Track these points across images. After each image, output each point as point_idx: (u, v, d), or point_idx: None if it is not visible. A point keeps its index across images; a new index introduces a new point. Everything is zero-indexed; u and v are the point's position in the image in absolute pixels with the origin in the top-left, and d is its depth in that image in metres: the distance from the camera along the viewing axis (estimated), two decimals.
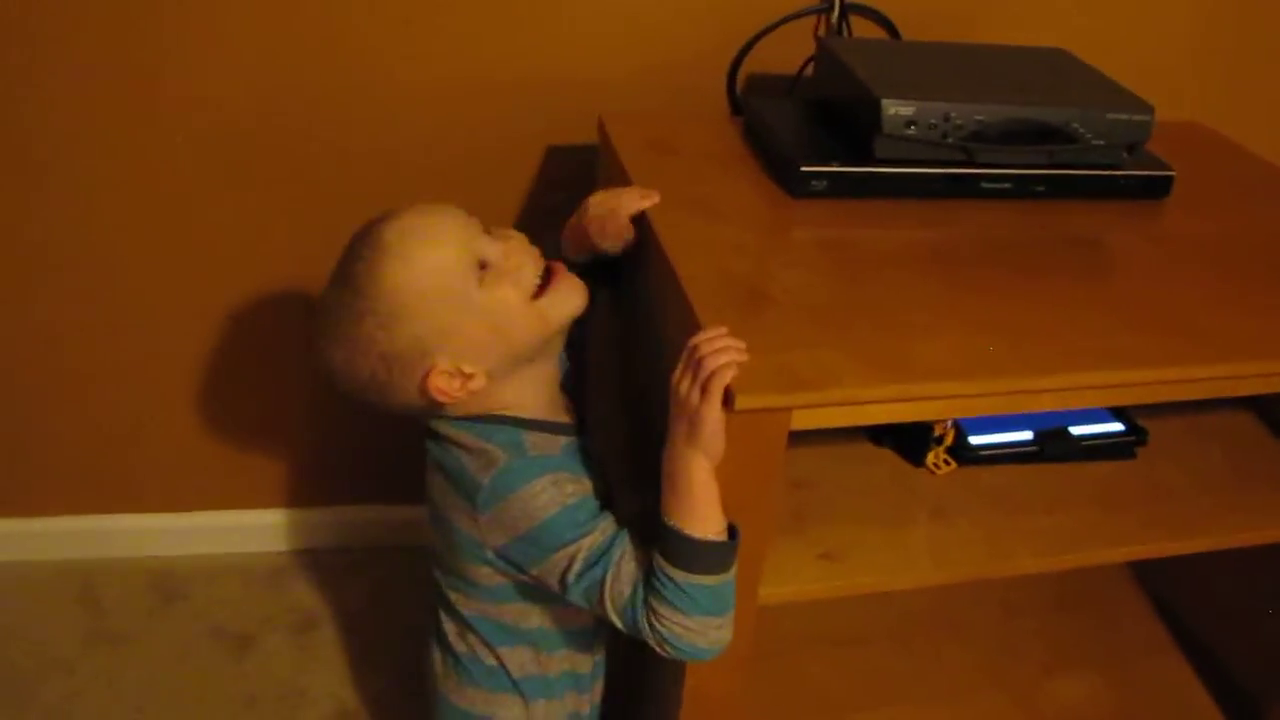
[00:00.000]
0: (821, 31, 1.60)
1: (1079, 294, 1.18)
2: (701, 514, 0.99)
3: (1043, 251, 1.26)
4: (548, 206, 1.65)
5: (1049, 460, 1.36)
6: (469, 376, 1.05)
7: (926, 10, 1.62)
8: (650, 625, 1.01)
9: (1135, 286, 1.22)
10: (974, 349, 1.06)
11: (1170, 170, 1.39)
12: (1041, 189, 1.34)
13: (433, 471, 1.14)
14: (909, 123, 1.26)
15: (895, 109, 1.25)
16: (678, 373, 0.98)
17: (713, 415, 0.95)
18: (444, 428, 1.10)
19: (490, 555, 1.08)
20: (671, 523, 0.99)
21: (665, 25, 1.55)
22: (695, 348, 0.97)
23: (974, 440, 1.33)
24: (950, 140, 1.29)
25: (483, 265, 1.05)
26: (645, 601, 1.01)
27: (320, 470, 1.86)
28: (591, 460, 1.13)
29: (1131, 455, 1.39)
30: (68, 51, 1.45)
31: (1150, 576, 1.82)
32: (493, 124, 1.58)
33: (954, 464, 1.33)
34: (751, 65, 1.61)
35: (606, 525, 1.05)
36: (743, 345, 0.97)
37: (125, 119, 1.51)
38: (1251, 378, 1.12)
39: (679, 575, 0.99)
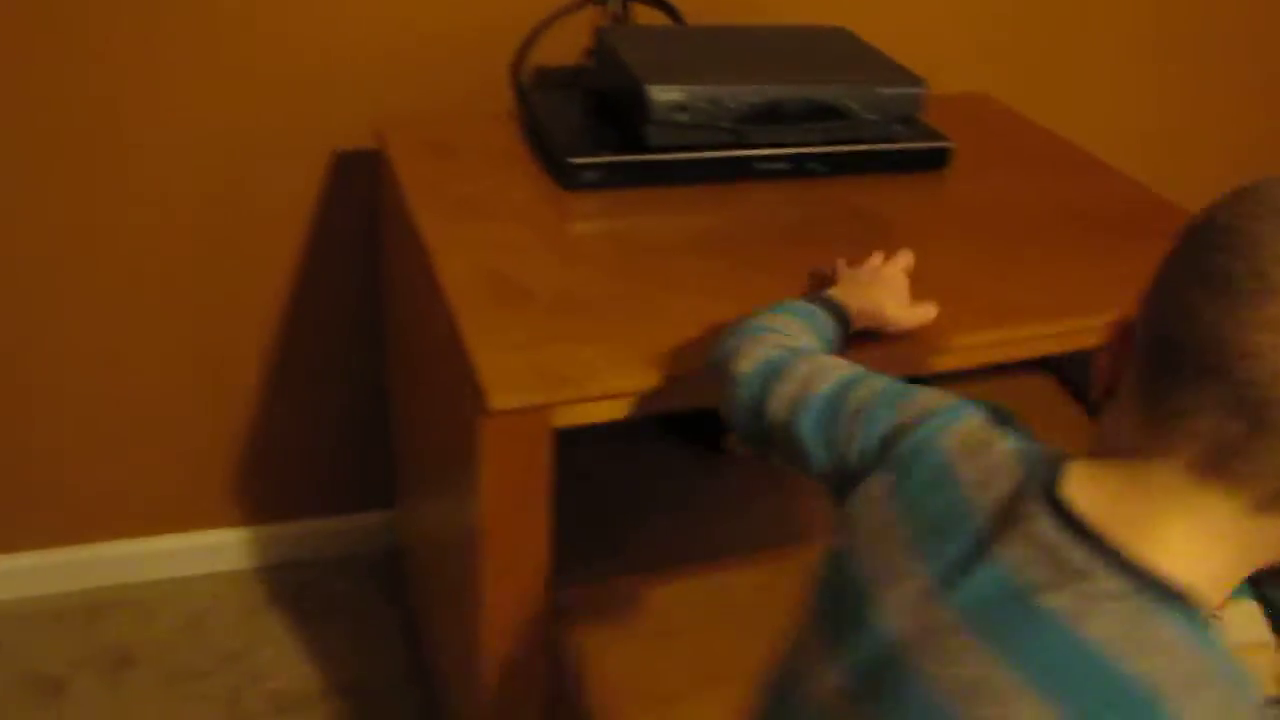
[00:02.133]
0: (605, 21, 1.58)
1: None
2: None
3: (821, 229, 1.26)
4: (331, 215, 1.60)
5: None
6: None
7: None
8: None
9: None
10: None
11: (947, 142, 1.40)
12: (819, 167, 1.34)
13: None
14: (679, 108, 1.25)
15: (663, 95, 1.24)
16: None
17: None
18: None
19: None
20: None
21: (449, 19, 1.52)
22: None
23: None
24: (723, 123, 1.28)
25: None
26: None
27: (120, 501, 1.78)
28: None
29: None
30: None
31: None
32: (271, 129, 1.52)
33: None
34: (542, 57, 1.58)
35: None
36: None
37: None
38: (1022, 341, 1.13)
39: None
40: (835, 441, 0.80)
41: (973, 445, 0.72)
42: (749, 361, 0.89)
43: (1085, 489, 0.64)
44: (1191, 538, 0.62)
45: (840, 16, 1.58)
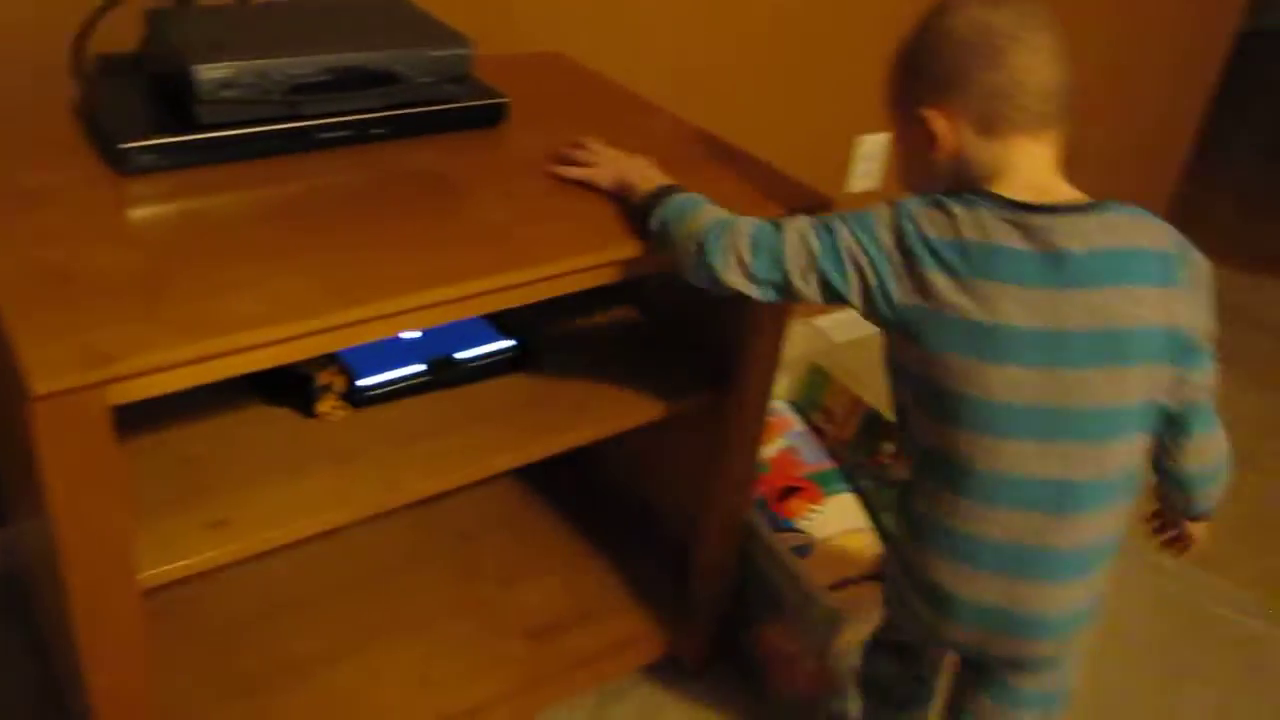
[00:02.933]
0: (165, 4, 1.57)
1: (406, 226, 1.25)
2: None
3: (381, 191, 1.31)
4: None
5: (444, 387, 1.44)
6: None
7: None
8: None
9: (461, 210, 1.30)
10: (290, 296, 1.09)
11: (502, 98, 1.48)
12: (380, 131, 1.40)
13: None
14: (226, 85, 1.27)
15: (208, 73, 1.26)
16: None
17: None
18: None
19: None
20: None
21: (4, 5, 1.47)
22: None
23: (363, 382, 1.38)
24: (275, 97, 1.31)
25: None
26: None
27: None
28: None
29: (526, 367, 1.49)
30: None
31: (598, 465, 1.95)
32: None
33: (348, 408, 1.37)
34: (110, 43, 1.55)
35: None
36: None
37: None
38: (557, 278, 1.22)
39: None
40: (852, 278, 1.14)
41: (938, 221, 1.12)
42: (748, 253, 1.17)
43: (1022, 194, 1.12)
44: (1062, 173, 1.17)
45: None
